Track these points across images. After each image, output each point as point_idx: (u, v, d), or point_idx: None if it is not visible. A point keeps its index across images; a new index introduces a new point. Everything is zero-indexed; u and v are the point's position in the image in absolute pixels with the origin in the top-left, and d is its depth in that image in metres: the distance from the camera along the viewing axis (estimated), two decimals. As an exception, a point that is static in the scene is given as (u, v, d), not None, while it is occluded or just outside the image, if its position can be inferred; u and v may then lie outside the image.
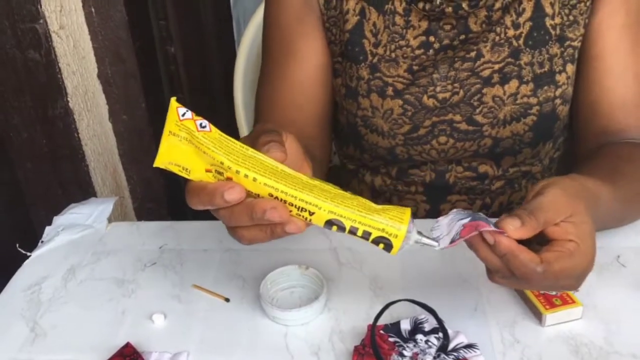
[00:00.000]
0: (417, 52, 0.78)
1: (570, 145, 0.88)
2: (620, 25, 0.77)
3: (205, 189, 0.50)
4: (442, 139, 0.80)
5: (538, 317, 0.62)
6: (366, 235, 0.51)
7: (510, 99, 0.78)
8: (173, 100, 0.51)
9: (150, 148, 1.39)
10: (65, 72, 1.29)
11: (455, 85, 0.78)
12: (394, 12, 0.78)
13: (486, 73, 0.77)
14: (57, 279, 0.74)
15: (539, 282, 0.53)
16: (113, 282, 0.73)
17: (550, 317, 0.62)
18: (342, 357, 0.61)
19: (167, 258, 0.76)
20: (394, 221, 0.51)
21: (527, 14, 0.76)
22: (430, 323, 0.61)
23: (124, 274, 0.74)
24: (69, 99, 1.32)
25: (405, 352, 0.58)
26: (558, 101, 0.79)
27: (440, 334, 0.59)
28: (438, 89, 0.78)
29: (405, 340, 0.60)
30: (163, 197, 1.47)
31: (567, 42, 0.78)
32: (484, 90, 0.78)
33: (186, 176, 0.52)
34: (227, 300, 0.69)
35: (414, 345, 0.59)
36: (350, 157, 0.90)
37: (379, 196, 0.89)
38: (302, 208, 0.50)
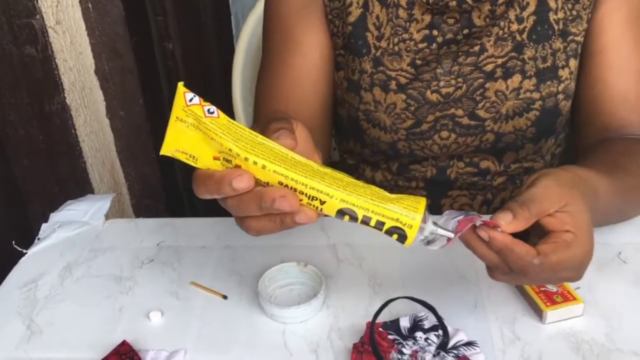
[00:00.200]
0: (421, 45, 0.78)
1: (572, 141, 0.87)
2: (622, 21, 0.77)
3: (212, 177, 0.48)
4: (444, 133, 0.80)
5: (539, 314, 0.62)
6: (379, 226, 0.49)
7: (513, 93, 0.77)
8: (180, 85, 0.49)
9: (147, 144, 1.39)
10: (62, 67, 1.29)
11: (459, 80, 0.77)
12: (398, 5, 0.77)
13: (489, 67, 0.77)
14: (54, 276, 0.74)
15: (538, 274, 0.53)
16: (110, 279, 0.73)
17: (551, 314, 0.61)
18: (340, 355, 0.60)
19: (164, 255, 0.76)
20: (408, 210, 0.49)
21: (531, 8, 0.76)
22: (429, 320, 0.60)
23: (121, 271, 0.74)
24: (65, 95, 1.32)
25: (404, 350, 0.58)
26: (561, 96, 0.78)
27: (440, 332, 0.59)
28: (442, 83, 0.78)
29: (405, 338, 0.59)
30: (161, 194, 1.47)
31: (570, 37, 0.77)
32: (487, 85, 0.77)
33: (193, 164, 0.50)
34: (225, 297, 0.68)
35: (414, 343, 0.58)
36: (350, 151, 0.89)
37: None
38: (313, 197, 0.48)
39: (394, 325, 0.61)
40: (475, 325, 0.62)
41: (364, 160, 0.88)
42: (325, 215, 0.50)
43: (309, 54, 0.81)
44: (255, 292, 0.67)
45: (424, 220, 0.50)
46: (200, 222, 0.82)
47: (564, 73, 0.78)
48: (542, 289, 0.63)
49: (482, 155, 0.83)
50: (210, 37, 1.62)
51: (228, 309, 0.67)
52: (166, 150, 0.50)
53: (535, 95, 0.77)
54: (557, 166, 0.89)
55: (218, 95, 1.58)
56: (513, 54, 0.77)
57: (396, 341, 0.59)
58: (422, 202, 0.50)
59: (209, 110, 0.49)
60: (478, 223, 0.53)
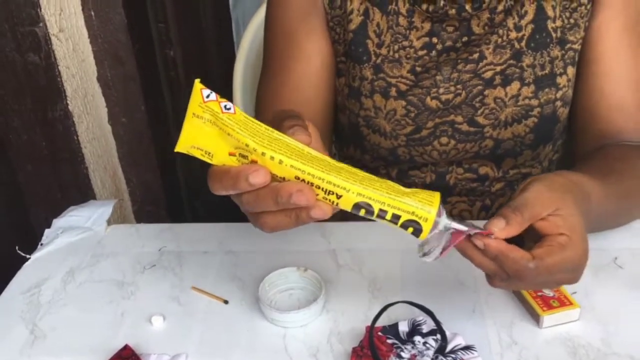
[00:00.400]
0: (420, 53, 0.78)
1: (569, 148, 0.88)
2: (619, 29, 0.77)
3: (228, 172, 0.49)
4: (444, 140, 0.80)
5: (535, 318, 0.63)
6: (395, 219, 0.49)
7: (512, 100, 0.78)
8: (197, 82, 0.50)
9: (149, 151, 1.40)
10: (64, 75, 1.30)
11: (458, 87, 0.78)
12: (398, 13, 0.78)
13: (488, 75, 0.78)
14: (57, 281, 0.74)
15: (534, 278, 0.54)
16: (112, 284, 0.73)
17: (548, 318, 0.62)
18: (340, 359, 0.61)
19: (166, 260, 0.76)
20: (423, 204, 0.49)
21: (529, 16, 0.77)
22: (428, 325, 0.61)
23: (123, 276, 0.74)
24: (68, 101, 1.32)
25: (403, 354, 0.58)
26: (559, 103, 0.79)
27: (438, 336, 0.59)
28: (441, 90, 0.78)
29: (403, 342, 0.60)
30: (162, 200, 1.47)
31: (568, 45, 0.78)
32: (486, 92, 0.78)
33: (208, 160, 0.50)
34: (226, 302, 0.69)
35: (412, 347, 0.59)
36: (350, 157, 0.90)
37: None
38: (330, 191, 0.48)
39: (392, 329, 0.61)
40: (473, 329, 0.62)
41: (364, 166, 0.89)
42: (340, 210, 0.50)
43: (311, 60, 0.82)
44: (255, 296, 0.67)
45: (439, 214, 0.50)
46: (202, 228, 0.82)
47: (562, 80, 0.79)
48: (539, 293, 0.64)
49: (481, 162, 0.83)
50: (211, 43, 1.63)
51: (229, 313, 0.68)
52: (181, 146, 0.50)
53: (534, 102, 0.78)
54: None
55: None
56: (512, 61, 0.78)
57: (395, 345, 0.59)
58: (436, 196, 0.51)
59: (225, 106, 0.49)
60: (473, 232, 0.53)
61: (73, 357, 0.63)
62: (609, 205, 0.64)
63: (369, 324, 0.61)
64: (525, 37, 0.77)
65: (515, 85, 0.78)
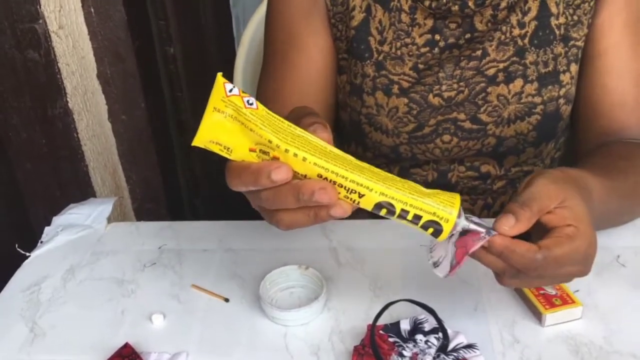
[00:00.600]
0: (423, 50, 0.78)
1: (572, 146, 0.88)
2: (622, 25, 0.77)
3: (248, 168, 0.48)
4: (446, 137, 0.80)
5: (538, 317, 0.62)
6: (416, 220, 0.49)
7: (515, 98, 0.78)
8: (219, 75, 0.49)
9: (149, 148, 1.39)
10: (64, 72, 1.29)
11: (461, 84, 0.78)
12: (400, 10, 0.78)
13: (491, 72, 0.77)
14: (57, 279, 0.74)
15: (544, 271, 0.53)
16: (112, 282, 0.73)
17: (550, 317, 0.61)
18: (341, 357, 0.60)
19: (166, 258, 0.76)
20: (445, 205, 0.49)
21: (533, 13, 0.76)
22: (430, 323, 0.61)
23: (123, 274, 0.74)
24: (68, 99, 1.32)
25: (404, 352, 0.58)
26: (562, 101, 0.79)
27: (440, 334, 0.59)
28: (444, 87, 0.78)
29: (405, 341, 0.60)
30: (162, 198, 1.47)
31: (571, 42, 0.78)
32: (489, 89, 0.78)
33: (227, 156, 0.49)
34: (227, 300, 0.69)
35: (414, 346, 0.59)
36: (351, 155, 0.89)
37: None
38: (352, 190, 0.48)
39: (394, 327, 0.61)
40: (475, 328, 0.62)
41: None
42: (360, 209, 0.50)
43: (312, 57, 0.82)
44: (256, 295, 0.67)
45: (458, 215, 0.50)
46: (202, 226, 0.82)
47: (565, 78, 0.78)
48: (541, 292, 0.63)
49: (483, 159, 0.83)
50: (211, 40, 1.62)
51: (229, 311, 0.67)
52: (199, 141, 0.49)
53: (537, 99, 0.78)
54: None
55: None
56: (515, 58, 0.77)
57: (396, 344, 0.59)
58: (457, 198, 0.51)
59: (248, 101, 0.48)
60: (479, 244, 0.52)
61: (73, 355, 0.63)
62: (611, 203, 0.64)
63: (371, 322, 0.60)
64: (529, 34, 0.77)
65: (519, 82, 0.77)
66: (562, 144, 0.87)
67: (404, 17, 0.78)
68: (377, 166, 0.86)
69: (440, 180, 0.84)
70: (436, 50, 0.78)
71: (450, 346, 0.59)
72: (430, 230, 0.50)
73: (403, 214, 0.49)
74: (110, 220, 0.84)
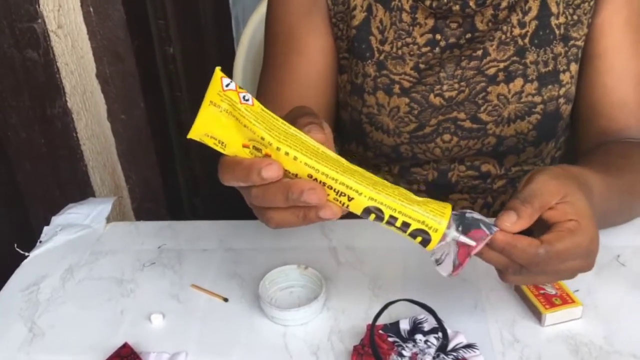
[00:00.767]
0: (424, 49, 0.78)
1: (572, 145, 0.88)
2: (622, 25, 0.77)
3: (240, 164, 0.48)
4: (447, 137, 0.80)
5: (538, 316, 0.62)
6: (404, 227, 0.49)
7: (515, 97, 0.78)
8: (218, 69, 0.49)
9: (148, 148, 1.39)
10: (63, 71, 1.29)
11: (462, 83, 0.78)
12: (401, 9, 0.78)
13: (491, 71, 0.77)
14: (56, 278, 0.74)
15: (546, 266, 0.53)
16: (111, 281, 0.73)
17: (550, 316, 0.61)
18: (341, 357, 0.60)
19: (165, 258, 0.76)
20: (434, 214, 0.49)
21: (533, 12, 0.76)
22: (429, 323, 0.61)
23: (122, 273, 0.74)
24: (67, 98, 1.32)
25: (404, 352, 0.58)
26: (562, 100, 0.79)
27: (440, 334, 0.59)
28: (445, 87, 0.78)
29: (405, 340, 0.59)
30: (162, 197, 1.47)
31: (571, 42, 0.78)
32: (489, 89, 0.78)
33: (221, 150, 0.49)
34: (226, 300, 0.69)
35: (413, 345, 0.59)
36: (352, 154, 0.89)
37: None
38: (342, 192, 0.48)
39: (394, 327, 0.61)
40: (475, 327, 0.62)
41: (366, 162, 0.88)
42: (349, 212, 0.50)
43: (312, 57, 0.81)
44: (256, 294, 0.67)
45: (448, 226, 0.50)
46: (201, 225, 0.82)
47: (565, 77, 0.78)
48: (541, 291, 0.63)
49: (483, 159, 0.83)
50: (211, 40, 1.62)
51: (229, 311, 0.67)
52: (194, 133, 0.49)
53: (537, 99, 0.78)
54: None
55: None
56: (515, 58, 0.77)
57: (396, 343, 0.59)
58: (448, 208, 0.50)
59: (244, 97, 0.48)
60: (478, 249, 0.52)
61: (72, 355, 0.63)
62: (611, 200, 0.64)
63: (370, 322, 0.60)
64: (529, 33, 0.77)
65: (519, 82, 0.77)
66: (562, 144, 0.87)
67: (405, 16, 0.78)
68: (378, 166, 0.87)
69: (441, 179, 0.84)
70: (437, 50, 0.78)
71: (450, 346, 0.58)
72: (419, 239, 0.50)
73: (391, 220, 0.49)
74: (109, 219, 0.84)
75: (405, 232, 0.49)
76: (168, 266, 0.75)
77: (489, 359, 0.58)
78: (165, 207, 1.49)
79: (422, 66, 0.78)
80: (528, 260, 0.52)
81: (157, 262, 0.76)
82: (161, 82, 1.44)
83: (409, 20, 0.78)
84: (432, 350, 0.58)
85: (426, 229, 0.49)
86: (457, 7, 0.75)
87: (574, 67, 0.79)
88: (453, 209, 0.51)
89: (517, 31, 0.77)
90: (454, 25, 0.77)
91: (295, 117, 0.51)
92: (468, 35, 0.77)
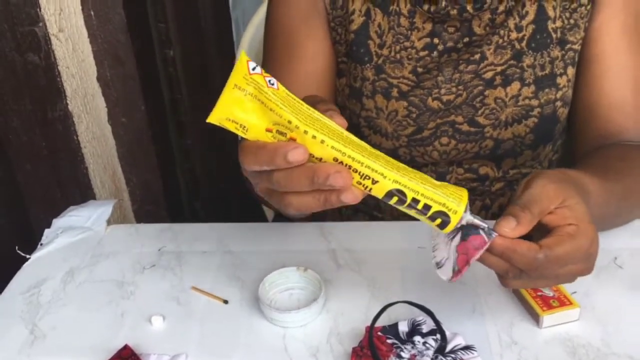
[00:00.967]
0: (422, 53, 0.78)
1: (569, 148, 0.88)
2: (619, 28, 0.77)
3: (264, 147, 0.47)
4: (444, 140, 0.80)
5: (535, 318, 0.63)
6: (425, 210, 0.50)
7: (512, 100, 0.78)
8: (243, 53, 0.48)
9: (149, 150, 1.40)
10: (64, 74, 1.29)
11: (459, 87, 0.78)
12: (399, 14, 0.78)
13: (488, 75, 0.78)
14: (56, 281, 0.74)
15: (545, 270, 0.53)
16: (112, 284, 0.73)
17: (548, 318, 0.62)
18: (340, 359, 0.61)
19: (166, 260, 0.76)
20: (454, 197, 0.50)
21: (530, 17, 0.77)
22: (428, 325, 0.61)
23: (123, 276, 0.74)
24: (68, 101, 1.32)
25: (403, 354, 0.58)
26: (559, 103, 0.79)
27: (438, 336, 0.59)
28: (443, 91, 0.78)
29: (403, 342, 0.60)
30: (162, 200, 1.47)
31: (568, 46, 0.78)
32: (486, 92, 0.78)
33: (242, 134, 0.49)
34: (226, 302, 0.69)
35: (412, 347, 0.59)
36: None
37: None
38: (367, 176, 0.48)
39: (392, 329, 0.61)
40: (473, 329, 0.62)
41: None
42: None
43: (311, 61, 0.82)
44: (255, 296, 0.67)
45: (465, 210, 0.51)
46: (201, 228, 0.82)
47: (562, 81, 0.79)
48: (539, 293, 0.64)
49: (481, 162, 0.83)
50: (211, 43, 1.63)
51: (229, 313, 0.68)
52: (215, 117, 0.48)
53: (534, 102, 0.78)
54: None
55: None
56: (512, 61, 0.78)
57: (395, 345, 0.59)
58: (465, 192, 0.51)
59: (269, 81, 0.48)
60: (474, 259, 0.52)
61: (72, 357, 0.63)
62: (609, 205, 0.64)
63: (369, 324, 0.61)
64: (526, 37, 0.77)
65: (516, 85, 0.78)
66: (560, 147, 0.88)
67: (403, 20, 0.78)
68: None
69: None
70: (435, 54, 0.79)
71: (448, 348, 0.59)
72: (438, 221, 0.51)
73: (413, 204, 0.49)
74: (110, 222, 0.84)
75: (425, 214, 0.50)
76: (168, 268, 0.75)
77: (486, 361, 0.59)
78: (165, 209, 1.49)
79: (420, 70, 0.79)
80: (528, 264, 0.52)
81: (157, 264, 0.76)
82: (161, 85, 1.45)
83: (407, 24, 0.78)
84: (431, 352, 0.58)
85: (446, 210, 0.50)
86: (454, 12, 0.76)
87: (570, 71, 0.79)
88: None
89: (514, 35, 0.77)
90: (451, 29, 0.78)
91: (312, 104, 0.51)
92: (466, 39, 0.78)
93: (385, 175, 0.48)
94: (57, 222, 0.84)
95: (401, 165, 0.50)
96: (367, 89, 0.80)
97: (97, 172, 1.42)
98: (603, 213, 0.64)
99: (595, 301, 0.65)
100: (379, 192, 0.49)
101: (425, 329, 0.61)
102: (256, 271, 0.72)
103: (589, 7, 0.77)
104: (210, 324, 0.66)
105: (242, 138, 0.50)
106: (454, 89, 0.78)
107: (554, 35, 0.77)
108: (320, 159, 0.48)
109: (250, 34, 1.08)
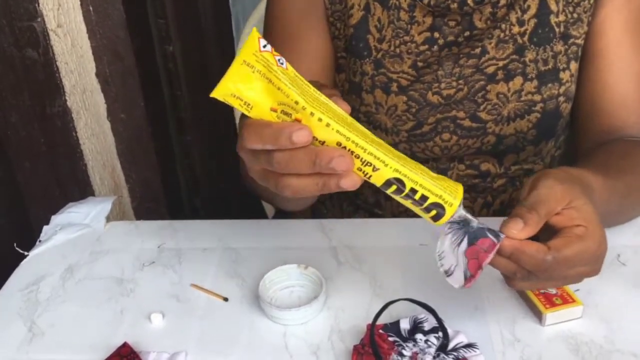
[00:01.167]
0: (422, 48, 0.78)
1: (572, 144, 0.88)
2: (622, 23, 0.77)
3: (269, 126, 0.46)
4: (446, 135, 0.80)
5: (538, 316, 0.62)
6: (422, 200, 0.50)
7: (515, 96, 0.78)
8: (255, 29, 0.48)
9: (149, 147, 1.39)
10: (63, 70, 1.29)
11: (460, 82, 0.78)
12: (399, 8, 0.78)
13: (490, 70, 0.77)
14: (55, 278, 0.74)
15: (554, 272, 0.53)
16: (111, 281, 0.73)
17: (551, 316, 0.61)
18: (341, 357, 0.60)
19: (165, 257, 0.76)
20: (450, 191, 0.51)
21: (532, 11, 0.76)
22: (429, 322, 0.61)
23: (122, 273, 0.74)
24: (67, 97, 1.32)
25: (404, 352, 0.58)
26: (562, 99, 0.79)
27: (440, 334, 0.59)
28: (443, 85, 0.78)
29: (405, 340, 0.59)
30: (162, 197, 1.47)
31: (571, 40, 0.78)
32: (488, 87, 0.78)
33: (246, 112, 0.48)
34: (226, 299, 0.69)
35: (414, 345, 0.59)
36: None
37: (380, 193, 0.88)
38: (368, 162, 0.48)
39: (394, 327, 0.61)
40: (475, 327, 0.62)
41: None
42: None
43: (310, 56, 0.81)
44: (255, 294, 0.67)
45: (459, 204, 0.51)
46: (201, 225, 0.82)
47: (564, 75, 0.78)
48: (542, 291, 0.63)
49: (483, 157, 0.83)
50: (211, 39, 1.62)
51: (229, 310, 0.67)
52: (219, 92, 0.47)
53: (537, 97, 0.78)
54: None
55: (219, 97, 1.58)
56: (514, 56, 0.77)
57: (396, 343, 0.59)
58: (460, 187, 0.52)
59: (279, 60, 0.47)
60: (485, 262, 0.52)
61: (71, 355, 0.63)
62: (612, 201, 0.64)
63: (370, 321, 0.60)
64: (528, 31, 0.77)
65: (518, 80, 0.77)
66: (562, 142, 0.87)
67: (403, 14, 0.78)
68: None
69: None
70: (435, 48, 0.78)
71: (450, 345, 0.58)
72: (433, 212, 0.51)
73: (411, 193, 0.49)
74: (109, 219, 0.84)
75: (421, 205, 0.50)
76: (168, 265, 0.75)
77: (489, 359, 0.58)
78: (165, 206, 1.48)
79: (420, 64, 0.78)
80: (536, 266, 0.52)
81: (157, 261, 0.76)
82: (161, 81, 1.44)
83: (406, 18, 0.78)
84: (433, 350, 0.58)
85: (442, 203, 0.50)
86: (455, 5, 0.75)
87: (574, 66, 0.79)
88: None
89: (516, 29, 0.77)
90: (452, 23, 0.77)
91: (317, 88, 0.50)
92: (466, 33, 0.77)
93: (387, 163, 0.48)
94: (56, 219, 0.83)
95: (402, 154, 0.50)
96: (367, 84, 0.80)
97: (96, 169, 1.42)
98: (605, 211, 0.63)
99: (598, 298, 0.64)
100: (378, 179, 0.49)
101: (427, 326, 0.60)
102: (256, 268, 0.71)
103: (592, 1, 0.76)
104: (210, 321, 0.66)
105: (243, 115, 0.49)
106: (454, 84, 0.78)
107: (556, 30, 0.77)
108: (323, 143, 0.47)
109: (250, 30, 1.07)
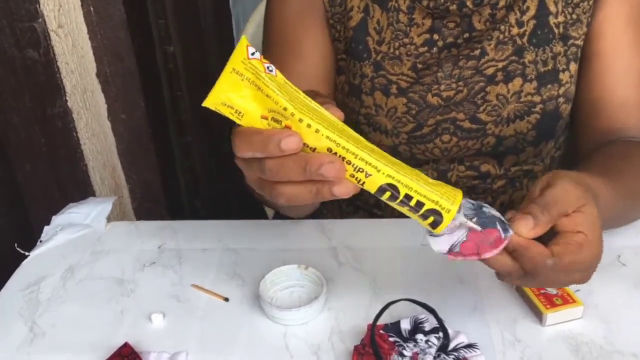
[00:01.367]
0: (421, 50, 0.78)
1: (572, 145, 0.88)
2: (622, 24, 0.77)
3: (259, 134, 0.46)
4: (446, 137, 0.80)
5: (538, 316, 0.62)
6: (418, 207, 0.49)
7: (514, 97, 0.78)
8: (244, 37, 0.48)
9: (149, 147, 1.39)
10: (63, 71, 1.29)
11: (460, 83, 0.78)
12: (398, 10, 0.78)
13: (490, 71, 0.77)
14: (56, 278, 0.74)
15: (549, 276, 0.53)
16: (112, 281, 0.73)
17: (551, 316, 0.61)
18: (341, 357, 0.60)
19: (166, 257, 0.76)
20: (447, 197, 0.49)
21: (531, 12, 0.76)
22: (430, 323, 0.61)
23: (122, 273, 0.74)
24: (67, 98, 1.32)
25: (405, 352, 0.58)
26: (561, 100, 0.79)
27: (441, 334, 0.59)
28: (442, 87, 0.78)
29: (405, 340, 0.59)
30: (162, 197, 1.47)
31: (571, 41, 0.78)
32: (488, 89, 0.78)
33: (237, 120, 0.48)
34: (226, 299, 0.69)
35: (414, 345, 0.59)
36: None
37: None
38: (360, 168, 0.47)
39: (394, 327, 0.61)
40: (476, 327, 0.62)
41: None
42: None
43: (310, 59, 0.81)
44: (256, 294, 0.67)
45: (458, 210, 0.50)
46: (202, 225, 0.82)
47: (564, 77, 0.78)
48: (542, 291, 0.63)
49: (483, 159, 0.83)
50: (211, 40, 1.62)
51: (229, 311, 0.67)
52: (211, 102, 0.47)
53: (536, 98, 0.78)
54: (556, 169, 0.89)
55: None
56: (514, 57, 0.77)
57: (397, 343, 0.59)
58: (460, 193, 0.50)
59: (268, 67, 0.47)
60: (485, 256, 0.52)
61: (72, 355, 0.63)
62: (616, 205, 0.64)
63: (371, 322, 0.60)
64: (527, 33, 0.77)
65: (518, 81, 0.77)
66: (562, 143, 0.87)
67: (402, 17, 0.78)
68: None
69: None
70: (435, 50, 0.78)
71: (451, 346, 0.58)
72: (430, 219, 0.49)
73: (406, 200, 0.48)
74: (109, 219, 0.84)
75: (417, 212, 0.49)
76: (168, 266, 0.75)
77: (489, 359, 0.58)
78: (165, 207, 1.48)
79: (419, 66, 0.78)
80: (535, 267, 0.52)
81: (157, 261, 0.76)
82: (161, 82, 1.44)
83: (406, 20, 0.78)
84: (433, 350, 0.58)
85: (439, 209, 0.49)
86: (454, 7, 0.75)
87: (573, 67, 0.79)
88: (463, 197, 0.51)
89: (515, 30, 0.77)
90: (451, 25, 0.77)
91: (312, 96, 0.50)
92: (466, 35, 0.77)
93: (380, 169, 0.47)
94: (57, 219, 0.83)
95: (396, 160, 0.49)
96: (366, 86, 0.80)
97: (96, 169, 1.42)
98: (609, 214, 0.63)
99: (598, 299, 0.64)
100: (371, 186, 0.48)
101: (427, 327, 0.60)
102: (257, 269, 0.71)
103: (591, 2, 0.77)
104: (210, 321, 0.66)
105: (235, 124, 0.49)
106: (453, 85, 0.78)
107: (556, 31, 0.77)
108: (314, 149, 0.47)
109: (250, 31, 1.07)
